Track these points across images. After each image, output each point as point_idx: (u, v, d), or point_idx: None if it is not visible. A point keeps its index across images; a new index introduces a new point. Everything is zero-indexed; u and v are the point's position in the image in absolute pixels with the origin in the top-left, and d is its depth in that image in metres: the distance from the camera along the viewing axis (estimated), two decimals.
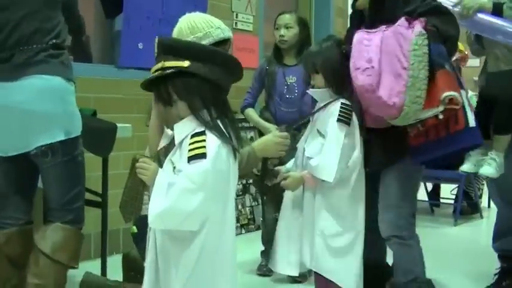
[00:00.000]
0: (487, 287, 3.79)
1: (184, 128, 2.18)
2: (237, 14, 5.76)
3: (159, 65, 2.15)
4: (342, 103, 2.85)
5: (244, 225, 5.40)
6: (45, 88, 2.77)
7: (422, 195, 6.52)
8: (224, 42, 2.68)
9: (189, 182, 2.06)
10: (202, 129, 2.14)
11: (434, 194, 6.74)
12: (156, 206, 2.07)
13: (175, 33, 2.68)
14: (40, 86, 2.76)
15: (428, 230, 5.63)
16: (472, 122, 2.80)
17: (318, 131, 2.91)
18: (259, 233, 4.91)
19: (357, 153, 2.85)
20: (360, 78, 2.74)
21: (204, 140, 2.11)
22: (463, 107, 2.78)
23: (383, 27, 2.84)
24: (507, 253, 3.75)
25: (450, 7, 3.19)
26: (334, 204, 2.86)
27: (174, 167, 2.15)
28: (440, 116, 2.74)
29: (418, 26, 2.77)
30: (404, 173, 2.99)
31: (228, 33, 2.71)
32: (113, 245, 4.22)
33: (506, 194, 3.68)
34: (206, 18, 2.69)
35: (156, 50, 2.25)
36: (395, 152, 2.95)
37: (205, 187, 2.06)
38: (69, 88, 2.87)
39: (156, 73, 2.16)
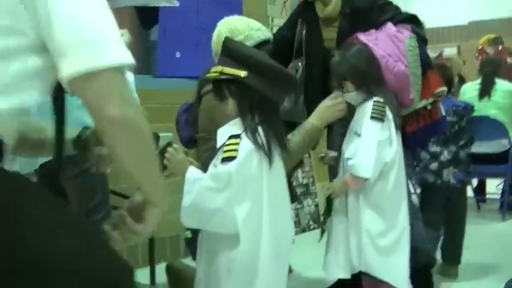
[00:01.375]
0: None
1: (226, 133, 2.23)
2: (272, 19, 5.77)
3: (219, 69, 2.23)
4: (374, 101, 2.88)
5: None
6: None
7: (468, 191, 6.43)
8: (265, 43, 2.69)
9: (212, 181, 2.11)
10: (239, 132, 2.18)
11: (480, 190, 6.64)
12: (184, 201, 2.12)
13: (215, 37, 2.70)
14: None
15: (475, 226, 5.56)
16: (443, 112, 3.42)
17: (355, 132, 2.93)
18: (304, 236, 4.92)
19: (394, 148, 2.87)
20: (397, 65, 3.04)
21: (238, 144, 2.15)
22: None
23: (373, 30, 3.15)
24: None
25: None
26: (376, 202, 2.87)
27: None
28: (429, 107, 3.28)
29: (406, 31, 3.15)
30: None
31: (268, 34, 2.73)
32: (159, 253, 4.26)
33: None
34: (245, 21, 2.73)
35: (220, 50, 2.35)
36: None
37: (228, 188, 2.09)
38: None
39: (214, 75, 2.25)
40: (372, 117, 2.84)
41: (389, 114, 2.88)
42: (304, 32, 3.35)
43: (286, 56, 3.32)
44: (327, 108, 2.81)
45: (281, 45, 3.36)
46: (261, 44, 2.69)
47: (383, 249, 2.84)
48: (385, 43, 3.07)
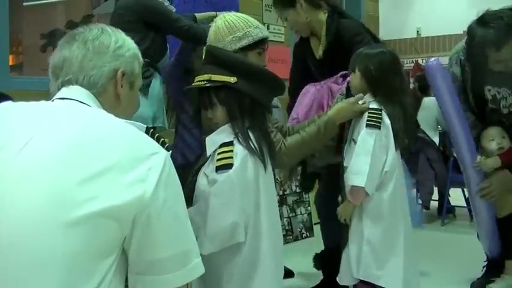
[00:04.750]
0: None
1: (215, 140, 2.22)
2: (268, 26, 5.76)
3: (206, 77, 2.21)
4: (370, 108, 2.83)
5: None
6: None
7: (461, 201, 6.43)
8: (262, 41, 2.68)
9: (218, 197, 2.09)
10: (231, 139, 2.17)
11: None
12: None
13: (212, 33, 2.66)
14: None
15: (468, 236, 5.55)
16: None
17: (353, 139, 2.88)
18: (296, 244, 4.91)
19: (391, 156, 2.81)
20: None
21: (232, 151, 2.14)
22: None
23: (324, 82, 3.29)
24: None
25: None
26: (374, 211, 2.82)
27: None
28: None
29: (345, 84, 3.16)
30: None
31: (266, 32, 2.71)
32: None
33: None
34: (243, 18, 2.68)
35: (203, 57, 2.33)
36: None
37: (235, 197, 2.08)
38: None
39: (203, 83, 2.22)
40: (367, 125, 2.79)
41: (386, 121, 2.81)
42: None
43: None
44: (348, 104, 2.80)
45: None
46: (259, 42, 2.67)
47: (381, 256, 2.81)
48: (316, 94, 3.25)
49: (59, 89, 1.60)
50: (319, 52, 3.41)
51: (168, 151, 1.48)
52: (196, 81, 2.26)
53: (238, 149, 2.15)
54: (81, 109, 1.52)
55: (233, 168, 2.10)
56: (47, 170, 1.33)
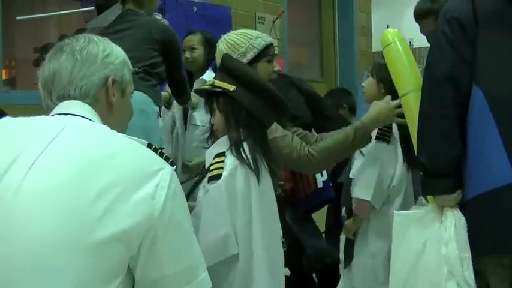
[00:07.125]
0: None
1: (212, 152, 2.21)
2: None
3: (211, 82, 2.28)
4: None
5: None
6: None
7: None
8: (268, 48, 2.68)
9: (211, 209, 2.08)
10: (224, 150, 2.17)
11: None
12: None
13: (217, 57, 2.68)
14: None
15: None
16: (319, 184, 3.35)
17: (360, 151, 2.82)
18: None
19: (400, 171, 2.78)
20: None
21: (223, 161, 2.13)
22: None
23: None
24: None
25: None
26: (382, 225, 2.77)
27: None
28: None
29: None
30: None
31: (268, 38, 2.70)
32: None
33: None
34: (242, 32, 2.70)
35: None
36: None
37: (222, 207, 2.06)
38: (151, 105, 3.07)
39: (206, 88, 2.30)
40: (376, 138, 2.75)
41: (396, 136, 2.79)
42: None
43: None
44: (387, 109, 2.62)
45: None
46: (265, 50, 2.66)
47: (386, 271, 2.76)
48: None
49: (54, 105, 1.57)
50: None
51: (173, 166, 1.47)
52: (205, 85, 2.32)
53: (229, 160, 2.13)
54: (85, 126, 1.50)
55: (221, 178, 2.09)
56: (57, 191, 1.32)
